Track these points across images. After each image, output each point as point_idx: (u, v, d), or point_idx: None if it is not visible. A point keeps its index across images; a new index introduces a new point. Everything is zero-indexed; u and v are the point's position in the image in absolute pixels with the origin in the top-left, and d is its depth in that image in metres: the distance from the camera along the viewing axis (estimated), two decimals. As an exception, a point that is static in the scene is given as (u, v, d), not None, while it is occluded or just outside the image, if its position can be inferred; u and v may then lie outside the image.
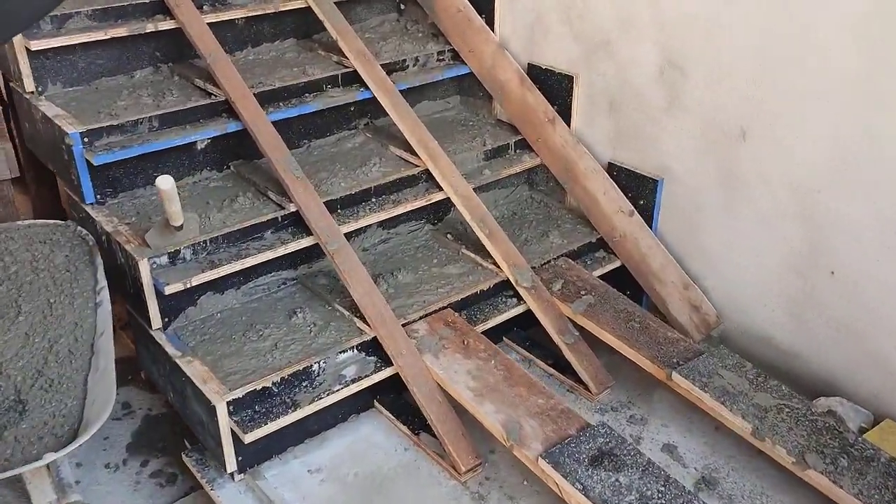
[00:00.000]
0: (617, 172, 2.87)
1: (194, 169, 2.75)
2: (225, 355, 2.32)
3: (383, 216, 2.70)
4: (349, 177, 2.80)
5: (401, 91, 3.07)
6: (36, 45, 2.60)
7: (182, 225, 2.32)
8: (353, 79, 2.99)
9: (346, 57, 2.99)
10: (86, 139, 2.46)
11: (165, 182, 2.16)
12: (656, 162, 2.75)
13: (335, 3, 3.21)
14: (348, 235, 2.59)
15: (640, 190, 2.81)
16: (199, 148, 2.72)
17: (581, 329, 2.61)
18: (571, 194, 3.00)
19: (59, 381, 2.13)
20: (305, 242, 2.52)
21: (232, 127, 2.67)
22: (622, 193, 2.84)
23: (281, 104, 2.82)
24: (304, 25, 3.25)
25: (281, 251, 2.48)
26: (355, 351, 2.36)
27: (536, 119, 3.02)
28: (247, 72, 2.97)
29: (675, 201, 2.74)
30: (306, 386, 2.26)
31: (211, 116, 2.69)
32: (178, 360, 2.27)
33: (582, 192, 2.94)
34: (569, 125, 2.98)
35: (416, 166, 2.86)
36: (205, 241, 2.39)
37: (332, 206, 2.63)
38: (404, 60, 3.13)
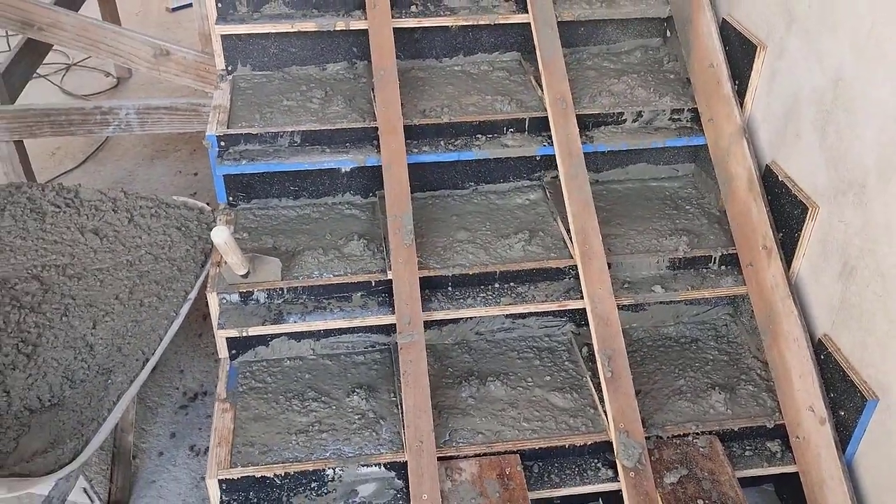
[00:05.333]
0: (825, 358, 2.03)
1: (336, 190, 2.54)
2: (260, 417, 2.16)
3: (494, 312, 2.25)
4: (486, 247, 2.36)
5: (606, 152, 2.51)
6: (222, 30, 2.54)
7: (247, 273, 2.15)
8: (542, 126, 2.48)
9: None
10: (222, 143, 2.37)
11: (219, 235, 1.98)
12: (877, 371, 1.87)
13: (584, 20, 2.69)
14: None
15: (844, 397, 1.96)
16: (343, 171, 2.49)
17: (677, 549, 1.96)
18: (767, 352, 2.21)
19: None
20: (387, 320, 2.21)
21: (371, 161, 2.39)
22: (822, 389, 2.00)
23: (442, 143, 2.45)
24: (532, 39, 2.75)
25: (357, 322, 2.20)
26: (383, 468, 2.04)
27: (753, 239, 2.24)
28: (434, 88, 2.63)
29: (887, 437, 1.85)
30: (312, 490, 2.02)
31: (359, 142, 2.43)
32: (216, 403, 2.17)
33: (777, 357, 2.15)
34: (788, 265, 2.15)
35: (571, 258, 2.32)
36: (281, 289, 2.21)
37: (440, 282, 2.26)
38: (621, 114, 2.51)
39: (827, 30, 1.97)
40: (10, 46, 3.61)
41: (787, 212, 2.15)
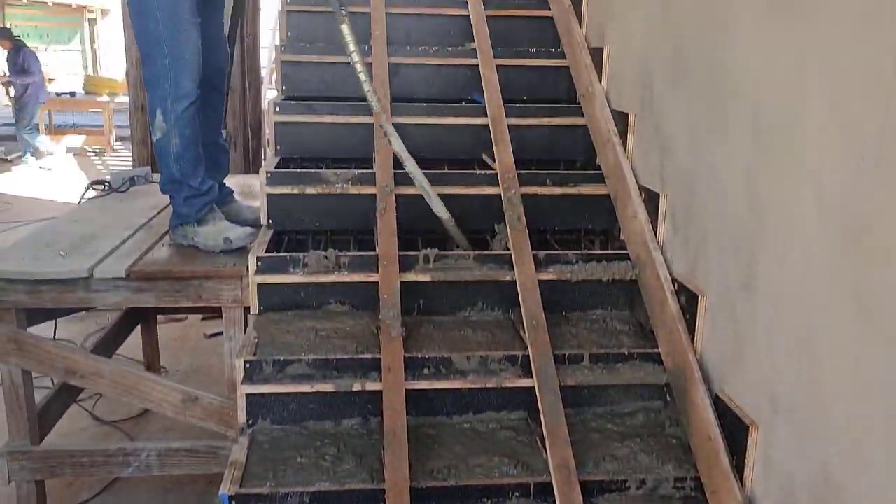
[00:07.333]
0: None
1: (341, 554, 2.53)
2: None
3: None
4: None
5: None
6: (247, 390, 2.73)
7: None
8: (547, 490, 2.52)
9: (550, 462, 2.54)
10: (233, 503, 2.43)
11: None
12: None
13: (587, 385, 2.85)
14: None
15: None
16: (348, 532, 2.51)
17: None
18: None
19: None
20: None
21: (378, 527, 2.41)
22: None
23: (447, 508, 2.48)
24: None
25: None
26: None
27: None
28: (443, 447, 2.72)
29: None
30: None
31: (366, 502, 2.47)
32: None
33: None
34: None
35: None
36: None
37: None
38: (625, 481, 2.55)
39: (812, 416, 2.08)
40: (53, 383, 3.87)
41: None
